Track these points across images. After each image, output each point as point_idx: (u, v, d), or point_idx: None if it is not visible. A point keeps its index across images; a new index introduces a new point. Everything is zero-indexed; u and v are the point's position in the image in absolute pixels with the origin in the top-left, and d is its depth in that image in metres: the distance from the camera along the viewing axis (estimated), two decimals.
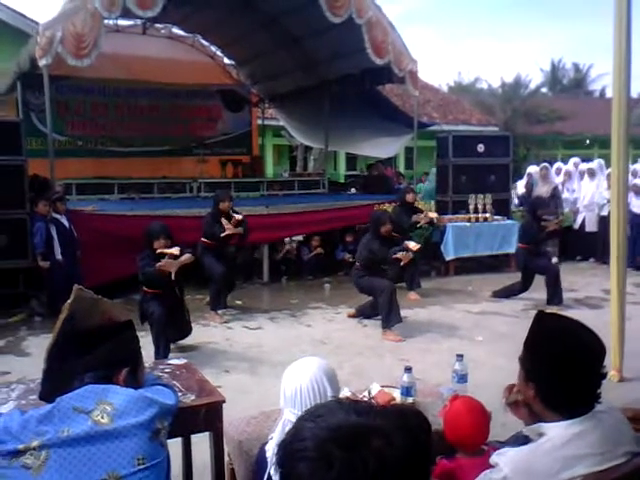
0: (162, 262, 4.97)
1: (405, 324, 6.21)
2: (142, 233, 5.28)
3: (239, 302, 7.32)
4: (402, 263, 6.03)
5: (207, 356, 5.33)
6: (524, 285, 7.30)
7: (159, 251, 5.02)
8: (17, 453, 1.62)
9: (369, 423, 0.99)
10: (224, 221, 6.54)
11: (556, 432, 1.61)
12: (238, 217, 6.66)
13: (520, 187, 10.99)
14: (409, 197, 8.18)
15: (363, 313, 6.52)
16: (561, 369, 1.62)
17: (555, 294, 6.90)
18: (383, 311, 5.91)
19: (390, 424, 1.00)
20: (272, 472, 1.91)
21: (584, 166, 10.57)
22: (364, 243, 6.22)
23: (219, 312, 6.68)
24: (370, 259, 6.10)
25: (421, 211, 8.27)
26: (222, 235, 6.53)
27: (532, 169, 11.11)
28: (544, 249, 7.40)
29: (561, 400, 1.64)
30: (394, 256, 5.95)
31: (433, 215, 8.29)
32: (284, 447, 1.02)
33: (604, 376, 1.66)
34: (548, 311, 1.86)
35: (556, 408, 1.65)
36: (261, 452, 2.04)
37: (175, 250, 5.01)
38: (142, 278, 5.17)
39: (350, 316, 6.64)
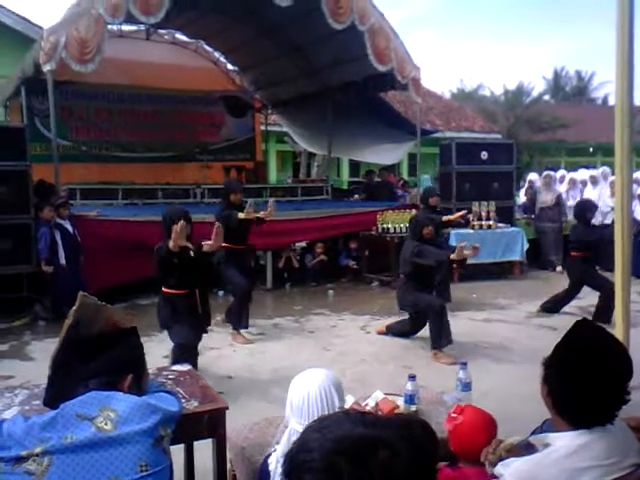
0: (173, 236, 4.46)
1: None
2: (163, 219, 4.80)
3: None
4: (455, 265, 5.52)
5: (210, 362, 5.32)
6: (571, 294, 6.86)
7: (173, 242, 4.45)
8: (20, 459, 1.62)
9: (375, 434, 0.99)
10: (242, 214, 5.96)
11: (562, 443, 1.60)
12: (257, 214, 6.06)
13: (521, 195, 10.96)
14: (432, 200, 7.48)
15: (394, 333, 6.08)
16: (575, 381, 1.61)
17: (603, 312, 6.18)
18: (433, 331, 5.44)
19: (396, 435, 1.00)
20: None
21: (586, 174, 10.60)
22: (408, 249, 5.70)
23: (242, 332, 6.15)
24: (418, 265, 5.54)
25: (445, 214, 7.64)
26: (240, 218, 5.93)
27: (533, 176, 11.13)
28: (593, 259, 6.76)
29: (570, 410, 1.63)
30: (451, 257, 5.36)
31: (463, 212, 7.60)
32: (290, 458, 1.02)
33: (625, 401, 1.61)
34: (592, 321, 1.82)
35: (563, 415, 1.64)
36: (264, 464, 2.03)
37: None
38: (159, 264, 4.62)
39: (380, 332, 6.18)
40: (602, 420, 1.60)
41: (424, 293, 5.67)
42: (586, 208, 6.84)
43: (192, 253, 4.72)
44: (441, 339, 5.40)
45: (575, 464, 1.55)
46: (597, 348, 1.64)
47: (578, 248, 6.68)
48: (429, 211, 7.36)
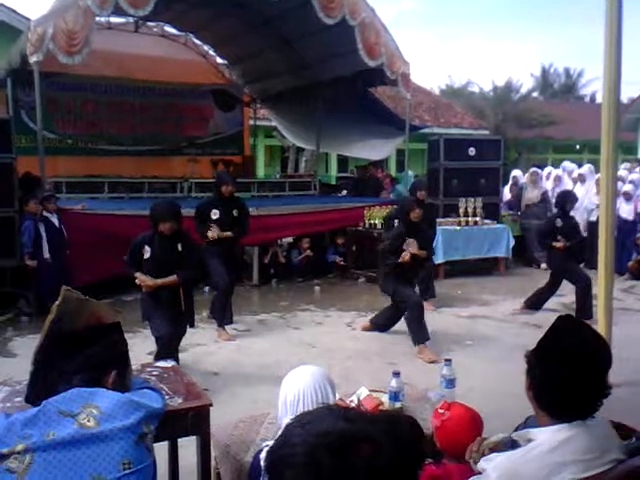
0: (141, 279, 4.67)
1: (394, 328, 6.21)
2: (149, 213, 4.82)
3: None
4: (399, 260, 5.53)
5: (195, 358, 5.31)
6: (551, 287, 6.86)
7: (137, 282, 4.68)
8: (1, 457, 1.60)
9: (358, 429, 0.99)
10: (212, 228, 6.00)
11: (544, 437, 1.61)
12: (225, 234, 6.04)
13: (505, 192, 10.98)
14: (420, 194, 6.85)
15: (378, 325, 6.10)
16: (556, 373, 1.63)
17: (583, 307, 6.29)
18: (412, 326, 5.47)
19: (380, 431, 1.00)
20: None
21: (575, 172, 10.66)
22: (389, 231, 5.69)
23: (226, 328, 6.14)
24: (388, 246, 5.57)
25: (435, 209, 7.23)
26: (208, 238, 5.97)
27: (516, 172, 11.19)
28: (575, 253, 6.83)
29: (550, 402, 1.66)
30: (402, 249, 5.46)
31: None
32: (273, 452, 1.02)
33: (604, 394, 1.64)
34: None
35: (544, 408, 1.66)
36: (255, 460, 2.02)
37: (151, 282, 4.63)
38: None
39: (364, 329, 6.19)
40: (582, 413, 1.62)
41: (404, 286, 5.62)
42: (566, 199, 6.93)
43: (180, 247, 4.71)
44: (419, 334, 5.43)
45: (556, 459, 1.56)
46: (578, 341, 1.67)
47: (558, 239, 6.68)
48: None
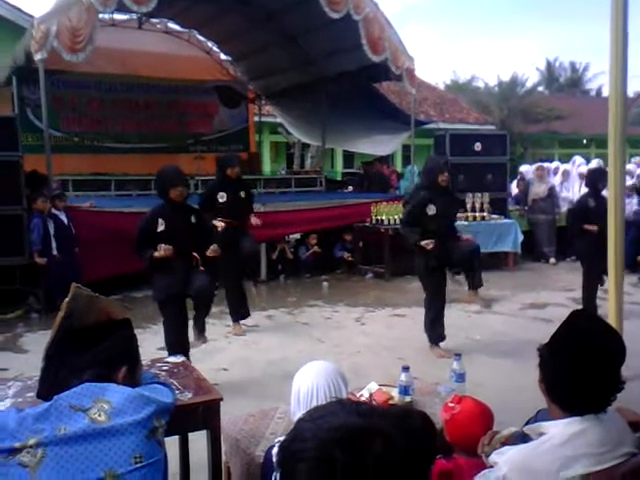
0: (160, 250, 4.28)
1: (402, 323, 6.21)
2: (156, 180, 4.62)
3: None
4: (423, 243, 5.00)
5: (204, 353, 5.31)
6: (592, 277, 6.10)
7: (160, 253, 4.27)
8: (14, 451, 1.60)
9: (370, 424, 0.99)
10: (216, 223, 5.75)
11: (556, 431, 1.61)
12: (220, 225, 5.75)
13: (513, 187, 10.92)
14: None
15: None
16: (568, 365, 1.63)
17: (587, 305, 5.76)
18: (427, 326, 5.33)
19: (392, 426, 0.99)
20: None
21: (582, 167, 10.59)
22: (412, 196, 5.16)
23: (241, 323, 6.09)
24: (426, 218, 5.00)
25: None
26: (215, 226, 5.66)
27: (524, 168, 11.13)
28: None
29: (562, 395, 1.66)
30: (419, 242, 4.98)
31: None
32: (284, 447, 1.02)
33: (618, 388, 1.64)
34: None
35: (556, 401, 1.67)
36: (268, 455, 2.02)
37: (170, 251, 4.29)
38: (137, 251, 4.41)
39: None
40: (594, 407, 1.62)
41: (436, 281, 5.28)
42: (597, 177, 6.07)
43: (193, 219, 4.54)
44: (431, 334, 5.34)
45: (568, 452, 1.56)
46: (591, 334, 1.67)
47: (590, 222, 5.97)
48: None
